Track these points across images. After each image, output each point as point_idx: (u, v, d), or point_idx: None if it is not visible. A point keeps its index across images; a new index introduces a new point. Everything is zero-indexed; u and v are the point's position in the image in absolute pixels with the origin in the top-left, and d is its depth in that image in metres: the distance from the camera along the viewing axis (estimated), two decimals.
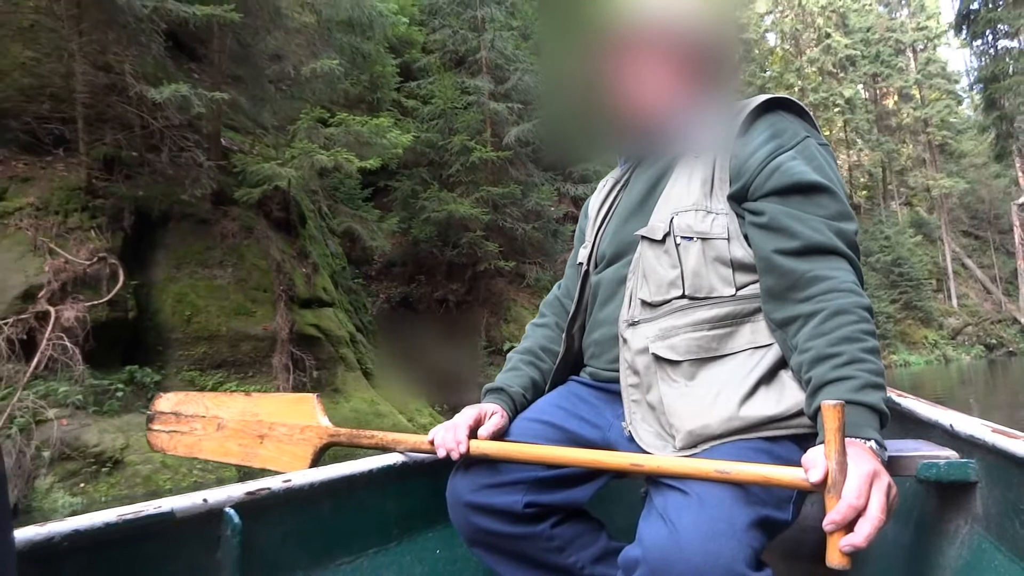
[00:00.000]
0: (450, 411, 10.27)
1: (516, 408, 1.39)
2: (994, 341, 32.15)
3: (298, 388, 7.73)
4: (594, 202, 1.54)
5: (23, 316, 6.09)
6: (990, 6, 18.28)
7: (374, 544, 1.35)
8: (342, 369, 8.55)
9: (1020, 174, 33.22)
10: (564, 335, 1.47)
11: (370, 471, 1.34)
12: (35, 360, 5.90)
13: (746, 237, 1.22)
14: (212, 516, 1.10)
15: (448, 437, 1.25)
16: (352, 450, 1.44)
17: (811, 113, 1.27)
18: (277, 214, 8.49)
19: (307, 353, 7.99)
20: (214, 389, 7.34)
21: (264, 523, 1.17)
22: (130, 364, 6.87)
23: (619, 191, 1.46)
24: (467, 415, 1.29)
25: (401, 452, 1.40)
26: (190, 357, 7.41)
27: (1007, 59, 18.13)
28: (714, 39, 1.32)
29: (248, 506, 1.14)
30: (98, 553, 0.97)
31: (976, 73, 20.91)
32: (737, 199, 1.23)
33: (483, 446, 1.23)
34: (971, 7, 18.57)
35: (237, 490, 1.15)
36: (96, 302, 6.46)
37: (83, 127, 7.05)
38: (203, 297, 7.58)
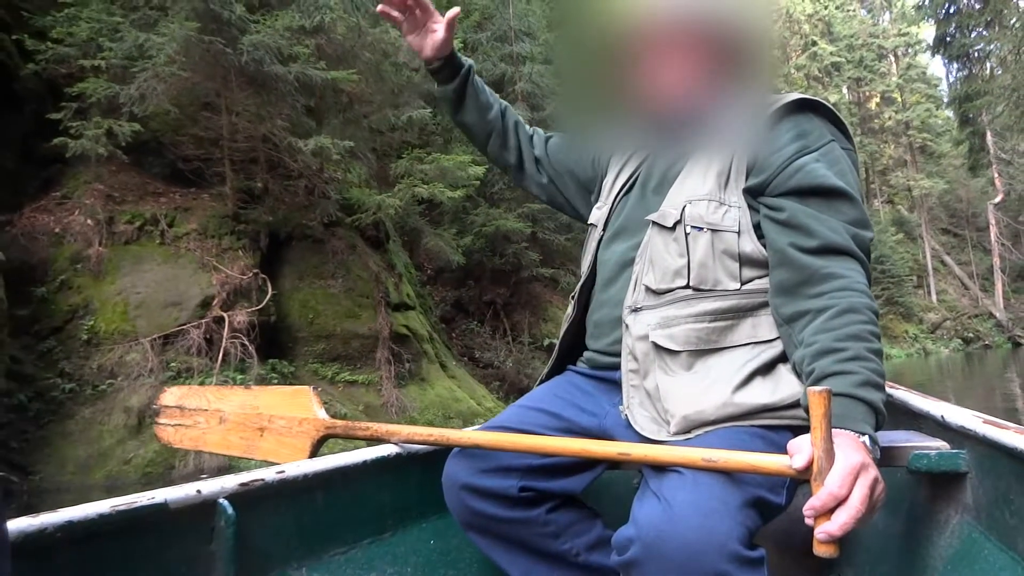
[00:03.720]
0: (503, 398, 12.00)
1: (464, 69, 1.55)
2: (971, 335, 33.37)
3: (399, 378, 9.44)
4: (615, 161, 1.52)
5: (205, 320, 7.76)
6: (965, 31, 20.17)
7: (368, 535, 1.35)
8: (425, 362, 10.27)
9: (996, 175, 34.81)
10: (575, 300, 1.47)
11: (364, 462, 1.34)
12: (220, 354, 7.57)
13: (756, 228, 1.22)
14: (206, 507, 1.10)
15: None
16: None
17: (841, 116, 1.25)
18: (370, 233, 10.19)
19: (402, 348, 9.70)
20: (332, 379, 9.06)
21: (258, 514, 1.17)
22: (271, 358, 8.56)
23: (639, 163, 1.45)
24: None
25: (395, 443, 1.40)
26: (313, 352, 9.12)
27: (979, 80, 20.00)
28: (744, 30, 1.31)
29: (242, 497, 1.14)
30: (92, 544, 0.97)
31: (952, 89, 22.80)
32: (754, 193, 1.22)
33: (475, 436, 1.24)
34: (948, 31, 20.46)
35: (231, 481, 1.15)
36: (254, 308, 8.15)
37: (229, 166, 8.72)
38: (321, 303, 9.28)
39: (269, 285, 8.44)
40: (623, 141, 1.53)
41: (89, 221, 7.99)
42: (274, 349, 8.74)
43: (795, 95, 1.23)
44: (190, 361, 7.60)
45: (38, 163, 8.60)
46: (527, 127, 1.67)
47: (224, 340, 7.68)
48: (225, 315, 7.85)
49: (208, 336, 7.81)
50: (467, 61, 1.54)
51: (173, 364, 7.54)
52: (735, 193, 1.23)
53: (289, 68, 7.99)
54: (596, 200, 1.52)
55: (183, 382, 7.49)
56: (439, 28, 1.47)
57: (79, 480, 6.61)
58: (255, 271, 8.40)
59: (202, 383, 7.44)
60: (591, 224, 1.49)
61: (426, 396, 9.76)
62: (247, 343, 7.74)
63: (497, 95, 1.64)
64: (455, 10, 1.47)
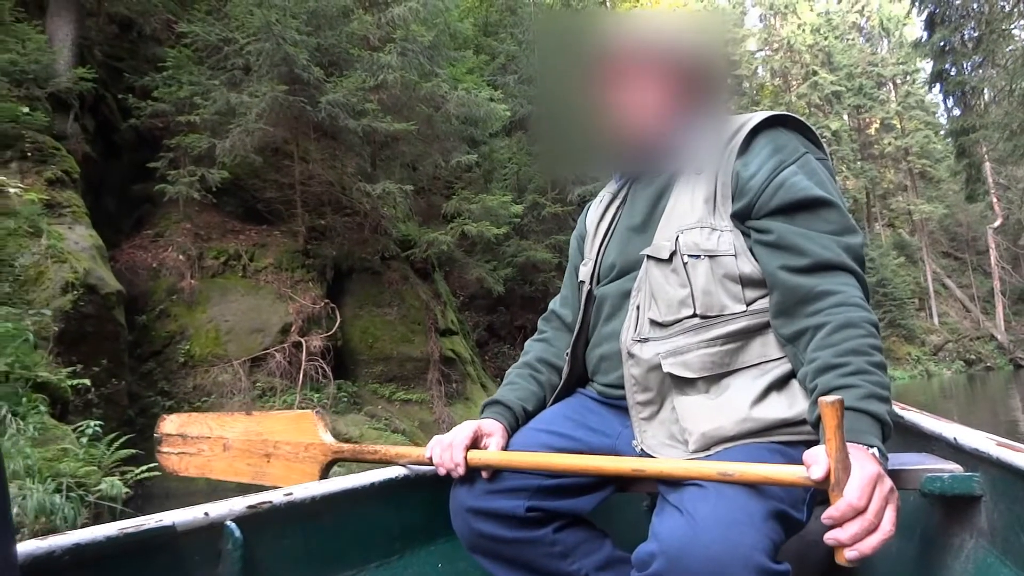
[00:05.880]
0: None
1: (516, 420, 1.38)
2: (973, 357, 33.60)
3: (448, 397, 10.41)
4: (592, 217, 1.52)
5: (286, 344, 8.76)
6: (961, 67, 21.29)
7: (376, 558, 1.35)
8: (469, 383, 11.25)
9: (995, 200, 35.48)
10: (568, 354, 1.44)
11: (372, 484, 1.34)
12: (301, 375, 8.56)
13: (751, 251, 1.22)
14: (213, 530, 1.11)
15: (446, 456, 1.25)
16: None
17: (813, 128, 1.28)
18: (419, 265, 11.22)
19: (449, 370, 10.68)
20: (390, 397, 10.02)
21: (266, 537, 1.18)
22: (337, 379, 9.53)
23: (618, 207, 1.46)
24: (464, 432, 1.28)
25: (403, 465, 1.40)
26: (372, 374, 10.10)
27: (975, 114, 21.06)
28: (704, 58, 1.34)
29: (250, 520, 1.15)
30: (100, 567, 0.97)
31: (950, 121, 23.85)
32: (741, 217, 1.23)
33: (484, 456, 1.24)
34: (943, 68, 21.59)
35: (239, 504, 1.15)
36: (326, 334, 9.15)
37: (301, 207, 9.77)
38: (379, 329, 10.28)
39: (337, 313, 9.44)
40: (608, 171, 1.57)
41: (181, 257, 9.03)
42: (339, 370, 9.72)
43: (764, 113, 1.27)
44: (273, 382, 8.59)
45: (131, 204, 9.67)
46: (562, 348, 1.50)
47: (303, 363, 8.67)
48: (303, 340, 8.85)
49: (288, 359, 8.79)
50: (512, 425, 1.37)
51: (259, 384, 8.52)
52: (724, 217, 1.24)
53: (359, 122, 9.07)
54: (582, 259, 1.51)
55: (268, 400, 8.47)
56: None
57: (183, 487, 7.51)
58: (325, 301, 9.41)
59: (285, 401, 8.43)
60: (580, 281, 1.47)
61: (472, 414, 10.69)
62: (324, 365, 8.72)
63: (535, 372, 1.49)
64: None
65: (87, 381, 6.02)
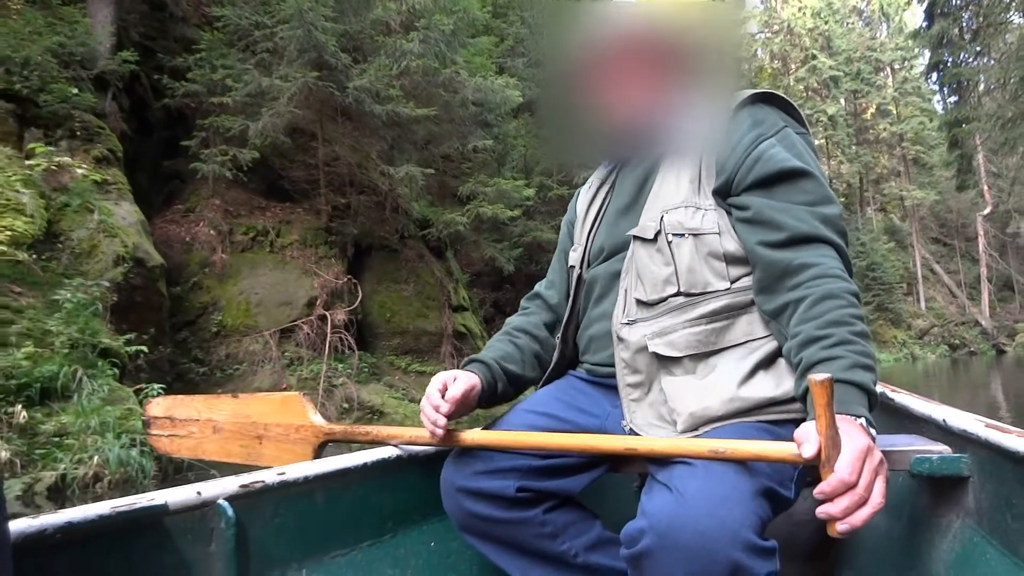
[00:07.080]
0: None
1: (492, 374, 1.37)
2: (957, 341, 34.26)
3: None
4: (582, 202, 1.53)
5: (312, 317, 9.28)
6: (957, 61, 21.73)
7: (369, 537, 1.36)
8: None
9: (985, 188, 35.96)
10: (559, 339, 1.46)
11: (364, 464, 1.35)
12: (327, 347, 9.10)
13: (734, 229, 1.23)
14: (206, 508, 1.11)
15: (430, 414, 1.24)
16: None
17: (795, 104, 1.28)
18: (434, 244, 11.74)
19: (461, 344, 11.24)
20: (405, 369, 10.58)
21: (258, 516, 1.18)
22: (358, 350, 10.07)
23: (607, 192, 1.46)
24: (435, 384, 1.28)
25: (396, 445, 1.40)
26: (389, 346, 10.65)
27: (969, 106, 21.54)
28: (696, 42, 1.35)
29: (242, 499, 1.15)
30: (92, 545, 0.98)
31: (947, 112, 24.29)
32: (722, 194, 1.24)
33: (477, 436, 1.24)
34: (941, 59, 22.03)
35: (231, 483, 1.16)
36: (349, 308, 9.68)
37: (324, 186, 10.23)
38: (396, 304, 10.81)
39: (359, 288, 9.97)
40: (596, 158, 1.58)
41: (213, 232, 9.50)
42: (358, 342, 10.26)
43: (749, 91, 1.27)
44: (301, 352, 9.13)
45: (161, 180, 10.11)
46: (541, 320, 1.53)
47: (328, 334, 9.20)
48: (327, 313, 9.38)
49: (315, 331, 9.33)
50: (488, 378, 1.37)
51: (287, 353, 9.06)
52: (708, 196, 1.25)
53: (384, 107, 9.52)
54: (572, 245, 1.52)
55: (296, 369, 9.02)
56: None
57: None
58: (347, 276, 9.93)
59: (312, 370, 8.97)
60: (570, 267, 1.48)
61: None
62: (348, 337, 9.27)
63: (512, 337, 1.50)
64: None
65: (144, 348, 6.53)
